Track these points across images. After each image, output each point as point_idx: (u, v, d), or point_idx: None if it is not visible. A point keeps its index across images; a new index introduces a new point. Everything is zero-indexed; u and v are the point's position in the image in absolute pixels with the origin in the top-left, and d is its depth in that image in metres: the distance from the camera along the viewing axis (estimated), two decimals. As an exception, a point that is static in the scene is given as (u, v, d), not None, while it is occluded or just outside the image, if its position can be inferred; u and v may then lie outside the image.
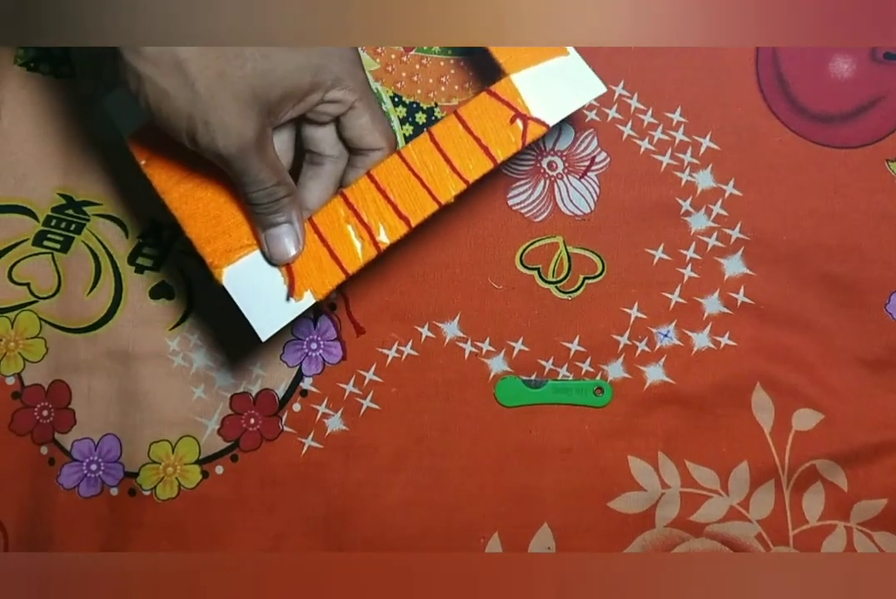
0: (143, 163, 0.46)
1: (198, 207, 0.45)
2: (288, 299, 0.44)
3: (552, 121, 0.44)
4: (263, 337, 0.45)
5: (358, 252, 0.44)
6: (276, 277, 0.45)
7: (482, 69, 0.56)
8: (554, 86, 0.44)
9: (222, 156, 0.40)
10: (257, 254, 0.45)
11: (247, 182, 0.42)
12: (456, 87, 0.56)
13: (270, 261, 0.44)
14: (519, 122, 0.44)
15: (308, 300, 0.44)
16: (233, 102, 0.38)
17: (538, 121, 0.44)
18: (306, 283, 0.44)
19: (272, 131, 0.42)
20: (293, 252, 0.44)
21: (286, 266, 0.44)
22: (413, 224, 0.44)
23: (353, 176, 0.46)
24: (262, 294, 0.44)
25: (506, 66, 0.44)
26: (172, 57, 0.37)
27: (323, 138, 0.45)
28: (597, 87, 0.44)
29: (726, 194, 0.57)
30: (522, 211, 0.58)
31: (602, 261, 0.58)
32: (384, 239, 0.44)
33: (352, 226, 0.44)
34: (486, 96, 0.44)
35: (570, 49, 0.44)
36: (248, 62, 0.38)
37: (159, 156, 0.45)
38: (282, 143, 0.45)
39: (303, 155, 0.46)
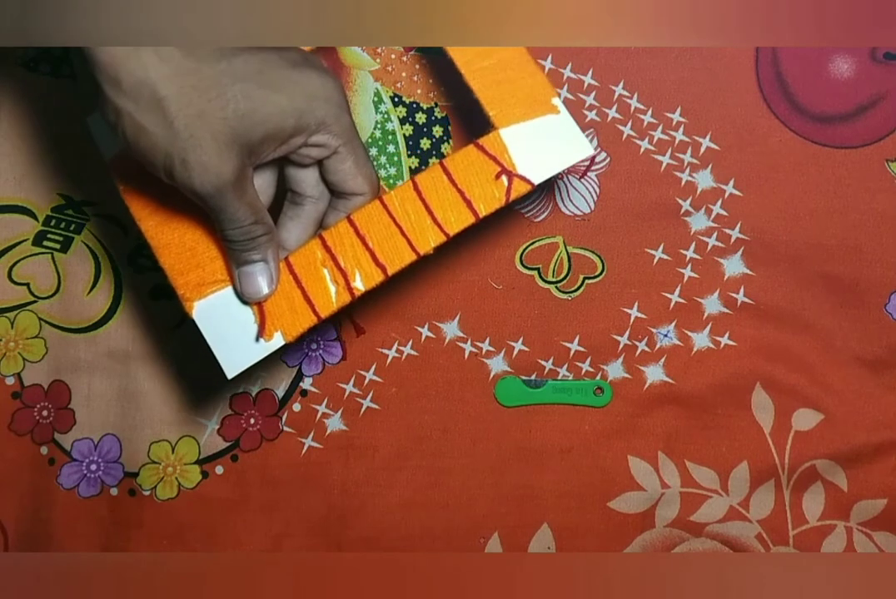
0: (121, 188, 0.45)
1: (173, 237, 0.45)
2: (258, 339, 0.44)
3: (537, 180, 0.43)
4: (230, 375, 0.44)
5: (332, 296, 0.44)
6: (247, 315, 0.44)
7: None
8: (542, 144, 0.44)
9: (199, 194, 0.39)
10: (230, 290, 0.44)
11: (223, 219, 0.41)
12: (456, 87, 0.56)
13: (242, 298, 0.44)
14: (504, 179, 0.43)
15: (277, 341, 0.44)
16: (211, 142, 0.38)
17: (524, 178, 0.43)
18: (277, 324, 0.44)
19: (252, 170, 0.41)
20: (266, 290, 0.43)
21: (258, 304, 0.44)
22: (390, 273, 0.43)
23: (334, 218, 0.45)
24: (231, 331, 0.44)
25: (495, 120, 0.44)
26: (152, 93, 0.37)
27: (304, 179, 0.44)
28: (585, 149, 0.44)
29: (726, 194, 0.57)
30: (522, 211, 0.57)
31: (602, 261, 0.57)
32: (359, 285, 0.43)
33: (328, 269, 0.44)
34: (474, 149, 0.44)
35: (562, 107, 0.44)
36: (229, 103, 0.38)
37: (138, 182, 0.45)
38: (263, 181, 0.45)
39: (284, 193, 0.46)
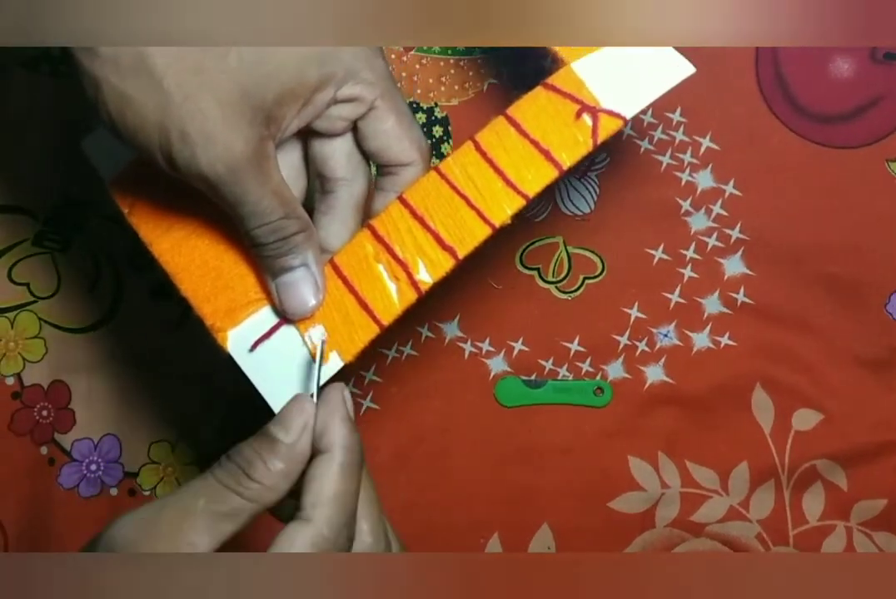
0: (126, 211, 0.38)
1: (193, 258, 0.37)
2: (311, 364, 0.36)
3: (630, 112, 0.35)
4: None
5: (393, 296, 0.36)
6: (294, 338, 0.36)
7: (482, 68, 0.56)
8: (627, 70, 0.36)
9: (208, 178, 0.31)
10: (268, 309, 0.37)
11: (246, 214, 0.33)
12: (456, 87, 0.56)
13: (285, 315, 0.36)
14: (587, 117, 0.35)
15: (335, 364, 0.36)
16: (214, 105, 0.30)
17: (612, 113, 0.35)
18: (331, 342, 0.36)
19: (275, 148, 0.33)
20: (312, 302, 0.36)
21: (305, 321, 0.37)
22: (460, 255, 0.36)
23: (383, 202, 0.37)
24: (277, 361, 0.36)
25: (563, 54, 0.36)
26: (136, 52, 0.30)
27: (331, 155, 0.36)
28: (683, 67, 0.36)
29: (726, 194, 0.56)
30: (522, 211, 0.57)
31: (602, 261, 0.57)
32: (425, 277, 0.36)
33: (383, 264, 0.36)
34: (543, 90, 0.36)
35: None
36: (231, 53, 0.30)
37: (144, 200, 0.38)
38: (290, 168, 0.36)
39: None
